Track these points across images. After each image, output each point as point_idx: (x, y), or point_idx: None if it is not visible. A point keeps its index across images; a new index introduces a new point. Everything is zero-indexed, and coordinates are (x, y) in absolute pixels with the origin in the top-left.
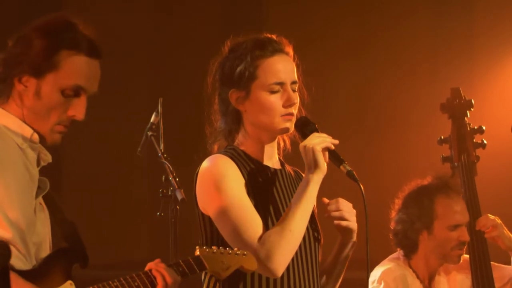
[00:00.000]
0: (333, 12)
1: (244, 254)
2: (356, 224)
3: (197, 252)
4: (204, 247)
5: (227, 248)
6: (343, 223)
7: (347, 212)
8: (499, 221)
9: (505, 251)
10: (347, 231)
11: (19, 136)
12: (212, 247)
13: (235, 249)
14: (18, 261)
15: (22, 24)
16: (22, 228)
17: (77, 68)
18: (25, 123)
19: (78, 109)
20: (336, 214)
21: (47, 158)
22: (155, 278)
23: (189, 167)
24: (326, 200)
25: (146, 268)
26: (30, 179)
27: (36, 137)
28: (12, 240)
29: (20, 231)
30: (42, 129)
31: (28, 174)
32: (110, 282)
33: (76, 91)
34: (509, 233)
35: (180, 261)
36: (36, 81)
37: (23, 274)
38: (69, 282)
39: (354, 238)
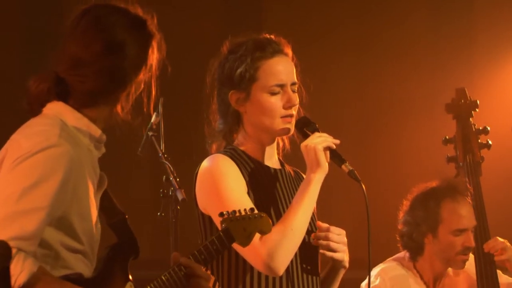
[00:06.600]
0: (333, 12)
1: (261, 216)
2: (344, 255)
3: (224, 224)
4: (228, 215)
5: (247, 211)
6: (328, 254)
7: (335, 243)
8: (508, 244)
9: None
10: (335, 260)
11: (87, 135)
12: (235, 212)
13: (255, 211)
14: (86, 268)
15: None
16: (92, 237)
17: None
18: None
19: None
20: (323, 243)
21: (102, 150)
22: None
23: (189, 167)
24: (319, 224)
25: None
26: (96, 183)
27: (104, 138)
28: (84, 251)
29: (90, 240)
30: None
31: (95, 177)
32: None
33: None
34: None
35: (214, 237)
36: None
37: (89, 282)
38: (129, 284)
39: (346, 265)
